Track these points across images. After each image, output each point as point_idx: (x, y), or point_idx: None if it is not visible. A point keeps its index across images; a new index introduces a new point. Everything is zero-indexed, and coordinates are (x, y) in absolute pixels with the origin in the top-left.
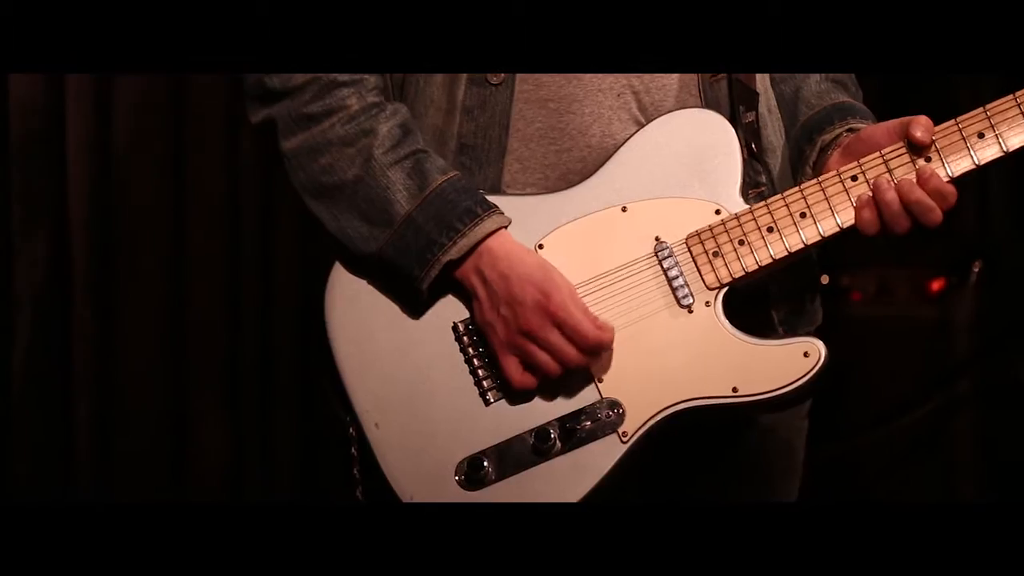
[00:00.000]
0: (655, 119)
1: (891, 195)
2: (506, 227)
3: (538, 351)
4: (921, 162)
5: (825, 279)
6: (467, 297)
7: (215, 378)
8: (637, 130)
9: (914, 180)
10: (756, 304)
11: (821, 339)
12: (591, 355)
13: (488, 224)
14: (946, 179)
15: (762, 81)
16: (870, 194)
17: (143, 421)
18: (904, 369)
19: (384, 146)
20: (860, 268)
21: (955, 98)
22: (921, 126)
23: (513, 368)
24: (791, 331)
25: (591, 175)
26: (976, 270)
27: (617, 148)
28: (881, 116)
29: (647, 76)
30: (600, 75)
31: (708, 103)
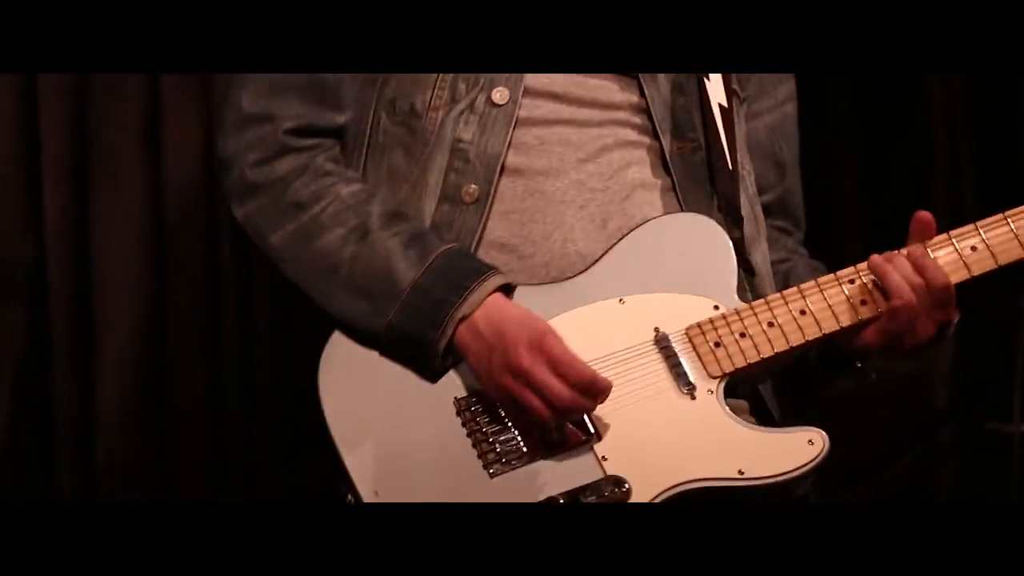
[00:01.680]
0: (648, 221)
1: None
2: (511, 286)
3: (530, 392)
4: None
5: None
6: (467, 369)
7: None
8: (622, 238)
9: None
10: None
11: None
12: (587, 397)
13: (495, 280)
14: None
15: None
16: (864, 297)
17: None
18: (882, 422)
19: (380, 222)
20: None
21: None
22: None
23: (510, 410)
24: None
25: (577, 274)
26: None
27: (598, 254)
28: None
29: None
30: (563, 188)
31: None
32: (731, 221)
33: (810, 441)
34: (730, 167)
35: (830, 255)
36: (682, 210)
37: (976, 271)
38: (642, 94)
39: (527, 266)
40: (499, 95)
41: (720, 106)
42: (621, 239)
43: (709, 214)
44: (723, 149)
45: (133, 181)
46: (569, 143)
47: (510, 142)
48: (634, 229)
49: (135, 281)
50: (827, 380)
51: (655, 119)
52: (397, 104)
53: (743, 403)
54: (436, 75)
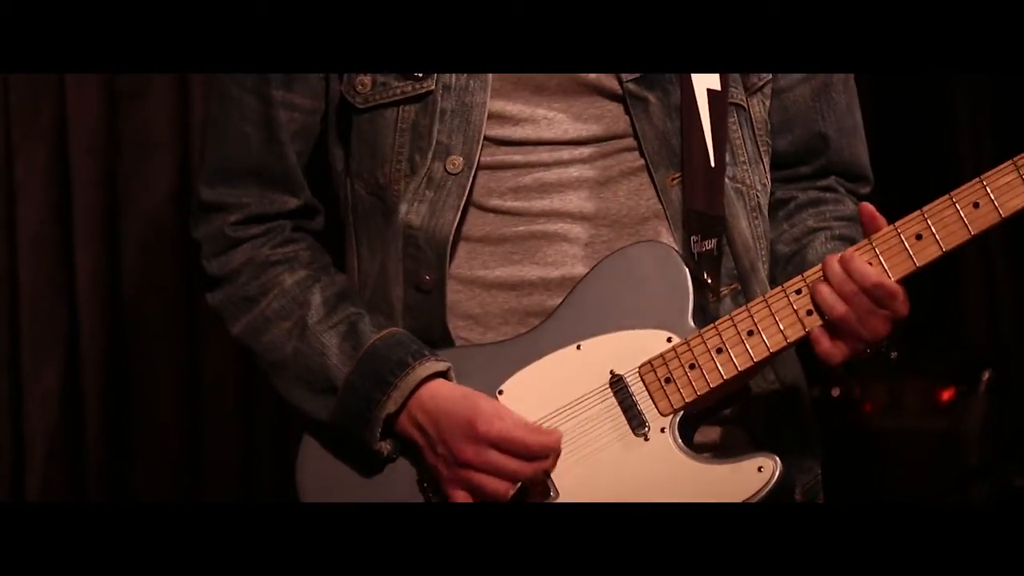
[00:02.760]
0: (603, 260)
1: (829, 294)
2: (444, 372)
3: (482, 476)
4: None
5: (836, 391)
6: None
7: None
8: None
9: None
10: (732, 424)
11: (779, 455)
12: (539, 461)
13: (420, 371)
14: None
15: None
16: (810, 307)
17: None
18: (914, 479)
19: (318, 314)
20: (871, 379)
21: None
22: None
23: (465, 502)
24: (775, 446)
25: (538, 324)
26: (985, 379)
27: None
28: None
29: (623, 222)
30: (565, 227)
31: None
32: (703, 234)
33: (760, 468)
34: (712, 164)
35: None
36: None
37: (921, 261)
38: (629, 113)
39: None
40: (454, 163)
41: (710, 91)
42: (578, 283)
43: (676, 232)
44: (705, 143)
45: (164, 241)
46: (571, 182)
47: (492, 203)
48: (589, 272)
49: (167, 339)
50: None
51: (646, 153)
52: (365, 176)
53: (715, 430)
54: (392, 147)
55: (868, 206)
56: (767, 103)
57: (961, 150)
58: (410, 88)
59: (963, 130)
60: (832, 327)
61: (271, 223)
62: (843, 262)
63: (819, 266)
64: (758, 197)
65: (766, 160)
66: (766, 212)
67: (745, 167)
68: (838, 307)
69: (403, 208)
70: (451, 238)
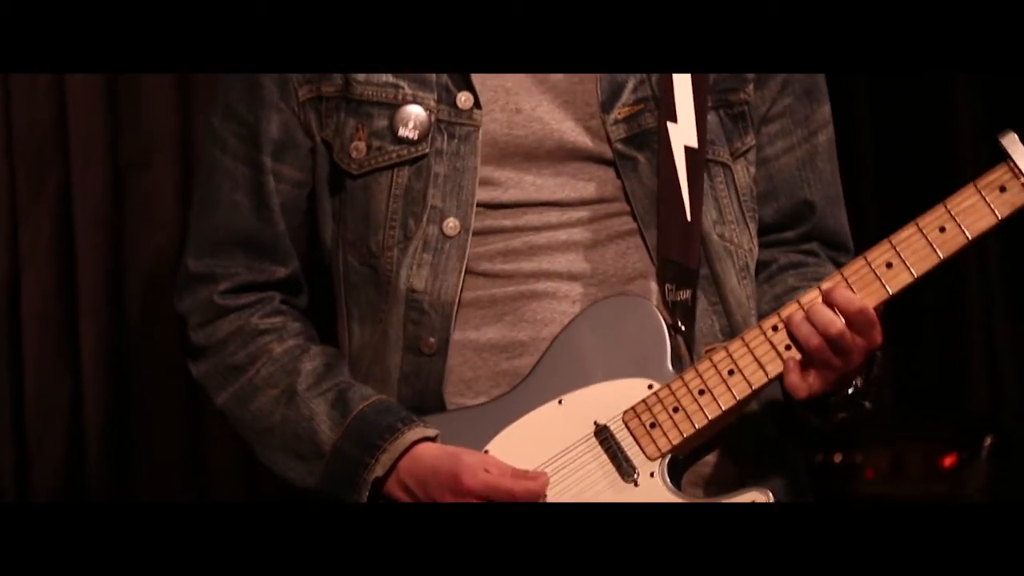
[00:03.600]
0: (578, 315)
1: (804, 325)
2: (432, 437)
3: None
4: None
5: (838, 457)
6: None
7: None
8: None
9: (821, 302)
10: (721, 466)
11: (772, 489)
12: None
13: (409, 436)
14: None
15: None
16: (788, 342)
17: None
18: None
19: (307, 382)
20: (872, 445)
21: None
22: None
23: None
24: (764, 479)
25: (519, 383)
26: (987, 445)
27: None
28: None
29: (611, 281)
30: (553, 286)
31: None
32: (676, 284)
33: (753, 502)
34: (688, 219)
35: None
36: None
37: (893, 288)
38: (619, 176)
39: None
40: (451, 226)
41: (687, 148)
42: (555, 339)
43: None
44: (681, 197)
45: (169, 313)
46: (560, 245)
47: (483, 267)
48: (565, 327)
49: (172, 413)
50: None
51: (636, 213)
52: (357, 245)
53: (704, 465)
54: (385, 213)
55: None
56: (751, 169)
57: (959, 150)
58: (405, 152)
59: (962, 130)
60: (807, 359)
61: (261, 293)
62: (826, 293)
63: (793, 302)
64: (747, 258)
65: (753, 226)
66: (754, 275)
67: (733, 227)
68: (813, 339)
69: (404, 273)
70: (456, 300)
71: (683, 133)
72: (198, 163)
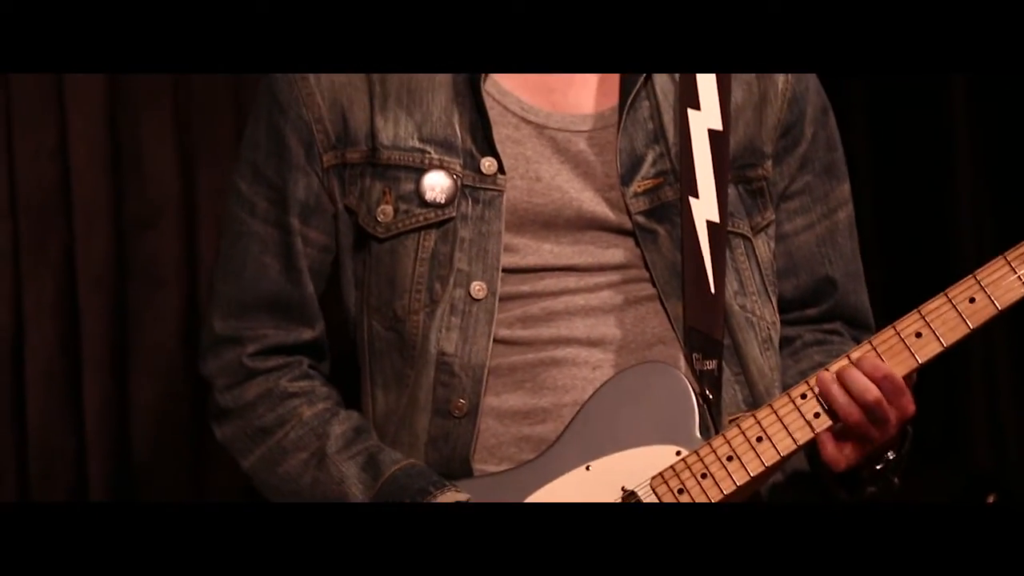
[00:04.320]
0: (606, 382)
1: (841, 396)
2: (464, 502)
3: None
4: None
5: None
6: None
7: None
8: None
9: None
10: None
11: None
12: None
13: (441, 499)
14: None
15: (746, 339)
16: (817, 410)
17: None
18: None
19: (337, 445)
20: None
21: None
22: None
23: None
24: None
25: (546, 450)
26: (990, 503)
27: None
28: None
29: (631, 347)
30: (573, 352)
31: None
32: (703, 354)
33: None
34: (712, 290)
35: None
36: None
37: (923, 358)
38: (639, 247)
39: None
40: (478, 289)
41: (709, 223)
42: (583, 406)
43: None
44: (705, 271)
45: (173, 373)
46: (578, 310)
47: (502, 333)
48: (593, 394)
49: (176, 471)
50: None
51: (658, 284)
52: (382, 311)
53: None
54: (411, 277)
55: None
56: (771, 244)
57: (959, 155)
58: (432, 215)
59: (959, 130)
60: (841, 430)
61: (289, 357)
62: (855, 362)
63: (823, 370)
64: (769, 330)
65: (774, 299)
66: (777, 347)
67: (755, 298)
68: (852, 410)
69: (433, 336)
70: (487, 363)
71: (705, 208)
72: (223, 225)
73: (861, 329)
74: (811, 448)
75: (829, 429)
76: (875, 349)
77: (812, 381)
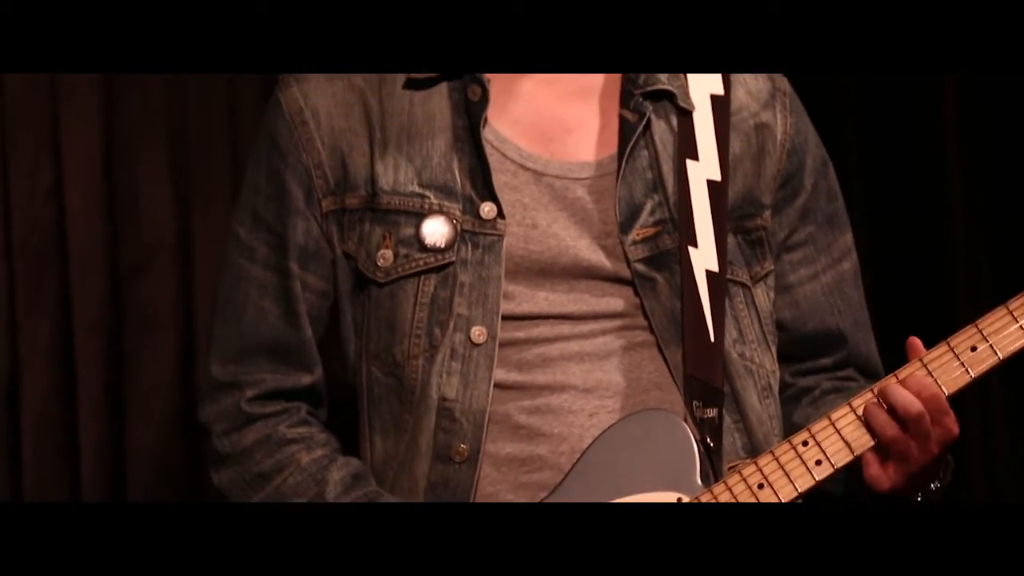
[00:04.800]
0: (605, 430)
1: (880, 413)
2: None
3: None
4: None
5: None
6: None
7: None
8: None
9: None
10: None
11: None
12: None
13: None
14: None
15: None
16: (822, 454)
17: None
18: None
19: (336, 491)
20: None
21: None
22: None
23: None
24: None
25: (555, 491)
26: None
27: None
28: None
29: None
30: (569, 399)
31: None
32: (703, 402)
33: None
34: (711, 338)
35: None
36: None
37: (976, 371)
38: (642, 303)
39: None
40: (478, 334)
41: (708, 273)
42: (583, 453)
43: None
44: (705, 319)
45: (168, 417)
46: (573, 356)
47: (498, 378)
48: (594, 441)
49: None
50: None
51: (656, 331)
52: (381, 356)
53: None
54: (411, 322)
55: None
56: (771, 294)
57: (948, 150)
58: (432, 260)
59: (949, 129)
60: (884, 450)
61: (288, 402)
62: (901, 381)
63: (824, 419)
64: (769, 378)
65: (773, 348)
66: (777, 396)
67: (754, 346)
68: (889, 428)
69: (433, 382)
70: (488, 409)
71: (704, 258)
72: (222, 270)
73: (872, 378)
74: (849, 473)
75: (874, 449)
76: (925, 365)
77: (814, 428)
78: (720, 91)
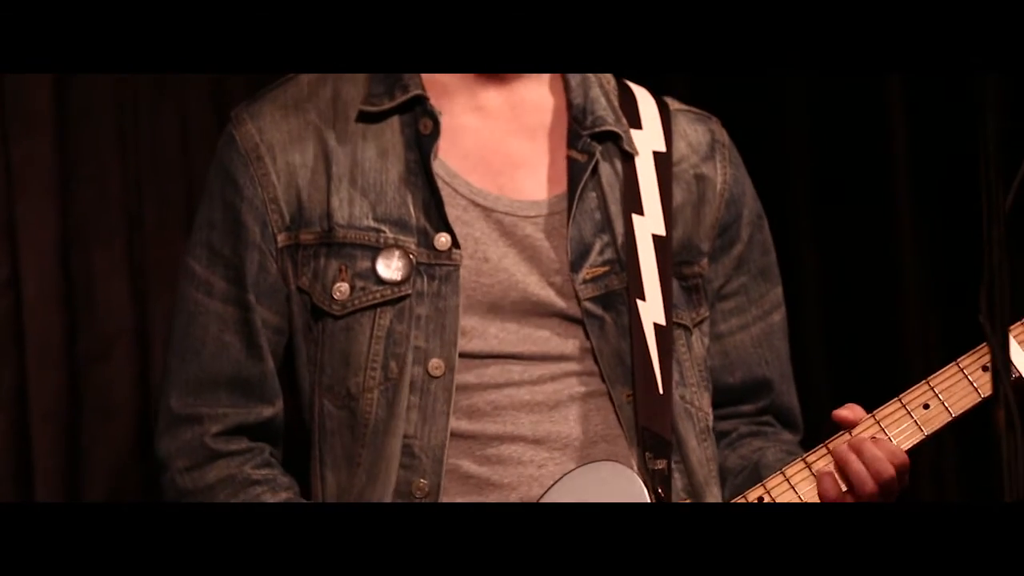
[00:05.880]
0: (557, 480)
1: (858, 468)
2: None
3: None
4: None
5: None
6: None
7: None
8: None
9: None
10: None
11: None
12: None
13: None
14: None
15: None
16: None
17: None
18: None
19: None
20: None
21: None
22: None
23: None
24: None
25: None
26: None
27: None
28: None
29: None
30: (519, 450)
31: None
32: (654, 453)
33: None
34: (660, 391)
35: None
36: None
37: (929, 430)
38: (587, 337)
39: None
40: (435, 366)
41: (656, 326)
42: (537, 502)
43: (631, 449)
44: (654, 373)
45: (127, 497)
46: (523, 405)
47: (450, 425)
48: (546, 491)
49: None
50: None
51: (603, 369)
52: (335, 389)
53: None
54: (366, 355)
55: (838, 413)
56: (705, 340)
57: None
58: (389, 292)
59: (896, 131)
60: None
61: (252, 442)
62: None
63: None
64: (706, 420)
65: (709, 391)
66: (714, 438)
67: (693, 389)
68: (869, 484)
69: (393, 416)
70: (447, 442)
71: (652, 310)
72: (176, 305)
73: (791, 428)
74: None
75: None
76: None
77: (769, 484)
78: (662, 147)
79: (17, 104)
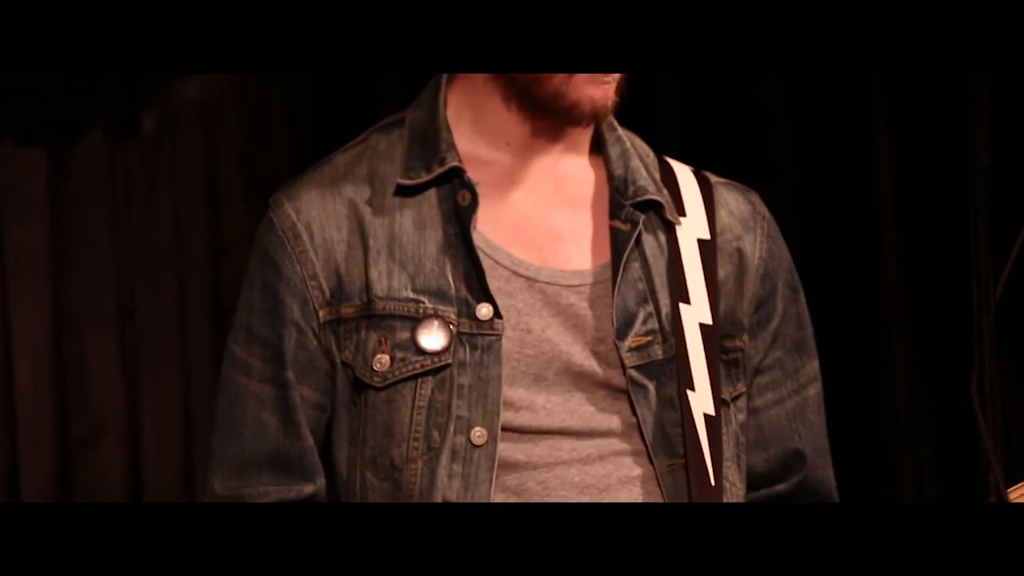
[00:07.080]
0: None
1: None
2: None
3: None
4: None
5: None
6: None
7: None
8: None
9: None
10: None
11: None
12: None
13: None
14: None
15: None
16: None
17: None
18: None
19: None
20: None
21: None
22: None
23: None
24: None
25: None
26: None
27: None
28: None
29: None
30: None
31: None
32: None
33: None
34: (712, 482)
35: None
36: None
37: None
38: (633, 412)
39: None
40: (478, 435)
41: (706, 416)
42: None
43: None
44: (706, 464)
45: None
46: (574, 487)
47: (496, 500)
48: None
49: None
50: None
51: (647, 439)
52: (378, 461)
53: None
54: (408, 425)
55: None
56: (741, 417)
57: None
58: (429, 363)
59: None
60: None
61: None
62: None
63: None
64: (739, 496)
65: (744, 468)
66: None
67: (729, 464)
68: None
69: (436, 485)
70: None
71: (702, 402)
72: (219, 389)
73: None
74: None
75: None
76: None
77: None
78: (707, 235)
79: (12, 190)
